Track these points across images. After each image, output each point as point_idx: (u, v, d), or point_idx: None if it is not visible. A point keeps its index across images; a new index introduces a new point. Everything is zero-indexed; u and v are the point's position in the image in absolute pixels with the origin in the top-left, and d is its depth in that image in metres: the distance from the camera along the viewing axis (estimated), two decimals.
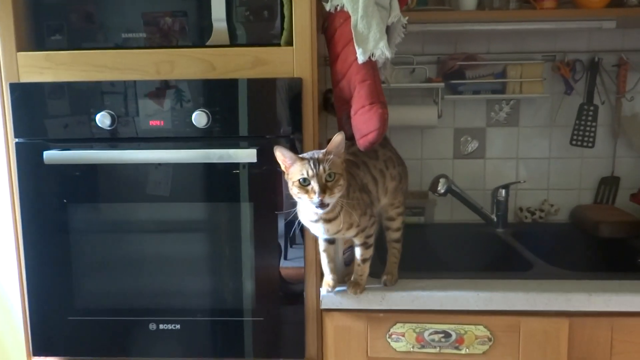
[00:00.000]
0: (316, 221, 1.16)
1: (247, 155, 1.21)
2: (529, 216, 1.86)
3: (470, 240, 1.78)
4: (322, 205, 1.08)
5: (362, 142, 1.21)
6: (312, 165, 1.08)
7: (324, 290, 1.27)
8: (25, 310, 1.33)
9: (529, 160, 1.88)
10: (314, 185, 1.07)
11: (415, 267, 1.39)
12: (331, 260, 1.28)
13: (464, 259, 1.72)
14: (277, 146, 1.11)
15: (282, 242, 1.28)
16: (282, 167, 1.14)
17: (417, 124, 1.80)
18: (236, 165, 1.24)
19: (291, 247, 1.29)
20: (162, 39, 1.28)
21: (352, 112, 1.22)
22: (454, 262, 1.70)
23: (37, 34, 1.30)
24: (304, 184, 1.09)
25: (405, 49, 1.78)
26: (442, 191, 1.72)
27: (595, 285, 1.26)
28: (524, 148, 1.88)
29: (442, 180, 1.72)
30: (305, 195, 1.09)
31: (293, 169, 1.11)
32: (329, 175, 1.08)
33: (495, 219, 1.78)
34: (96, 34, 1.29)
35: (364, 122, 1.18)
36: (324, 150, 1.11)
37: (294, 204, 1.19)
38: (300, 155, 1.11)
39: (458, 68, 1.77)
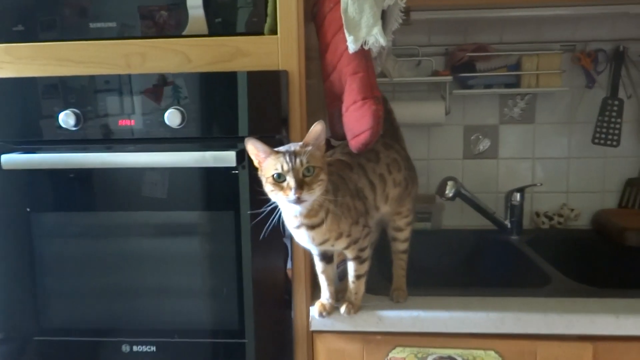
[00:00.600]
0: (298, 227, 1.02)
1: (224, 158, 1.07)
2: (546, 222, 1.71)
3: (480, 248, 1.63)
4: (298, 201, 0.95)
5: (354, 143, 1.06)
6: (287, 158, 0.94)
7: (316, 312, 1.13)
8: None
9: (547, 161, 1.73)
10: (290, 180, 0.94)
11: (418, 281, 1.25)
12: (331, 282, 1.15)
13: (474, 270, 1.57)
14: (248, 138, 0.97)
15: (270, 254, 1.15)
16: (255, 162, 1.00)
17: (423, 121, 1.65)
18: (228, 169, 1.11)
19: (279, 257, 1.15)
20: (133, 29, 1.15)
21: (344, 109, 1.08)
22: (462, 275, 1.55)
23: None
24: (278, 180, 0.95)
25: (410, 40, 1.66)
26: (450, 195, 1.57)
27: (624, 305, 1.11)
28: (541, 147, 1.72)
29: (450, 183, 1.57)
30: (281, 192, 0.95)
31: (266, 163, 0.97)
32: (307, 169, 0.95)
33: (509, 225, 1.63)
34: (62, 24, 1.16)
35: (356, 120, 1.04)
36: (301, 143, 0.98)
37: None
38: (276, 149, 0.98)
39: (468, 60, 1.62)
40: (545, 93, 1.67)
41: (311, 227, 1.02)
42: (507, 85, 1.65)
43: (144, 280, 1.19)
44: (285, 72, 1.09)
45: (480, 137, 1.73)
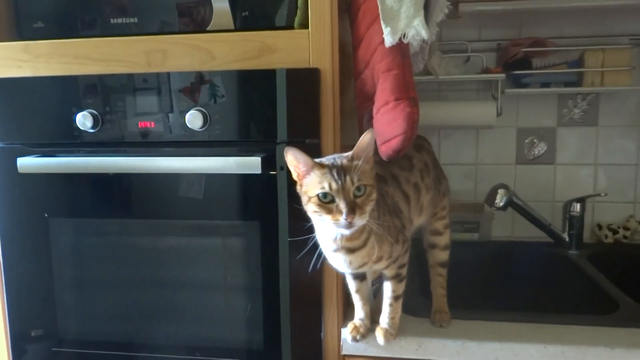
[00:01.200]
0: (336, 250, 0.91)
1: (248, 164, 0.98)
2: (609, 235, 1.53)
3: (534, 263, 1.47)
4: (349, 226, 0.82)
5: (384, 150, 0.95)
6: (335, 175, 0.82)
7: (348, 335, 1.02)
8: (7, 340, 1.17)
9: (611, 167, 1.55)
10: (340, 202, 0.81)
11: (463, 300, 1.12)
12: (366, 302, 1.04)
13: (526, 288, 1.42)
14: (288, 148, 0.85)
15: (296, 269, 1.04)
16: (294, 176, 0.88)
17: (472, 123, 1.51)
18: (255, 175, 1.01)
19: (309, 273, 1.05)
20: (156, 25, 1.08)
21: (374, 110, 0.96)
22: (514, 294, 1.40)
23: (17, 20, 1.13)
24: (324, 200, 0.82)
25: (458, 34, 1.53)
26: (502, 204, 1.43)
27: None
28: (605, 152, 1.55)
29: (501, 192, 1.43)
30: (328, 216, 0.83)
31: (309, 179, 0.85)
32: (358, 188, 0.82)
33: (567, 239, 1.47)
34: (82, 20, 1.10)
35: (387, 124, 0.92)
36: (348, 154, 0.85)
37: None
38: (319, 161, 0.85)
39: (523, 56, 1.46)
40: (610, 92, 1.50)
41: (351, 251, 0.90)
42: (567, 84, 1.49)
43: (165, 293, 1.11)
44: (317, 70, 0.98)
45: (536, 140, 1.57)
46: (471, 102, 1.56)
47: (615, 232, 1.53)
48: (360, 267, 0.94)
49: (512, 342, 0.98)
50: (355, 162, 0.83)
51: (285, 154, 0.85)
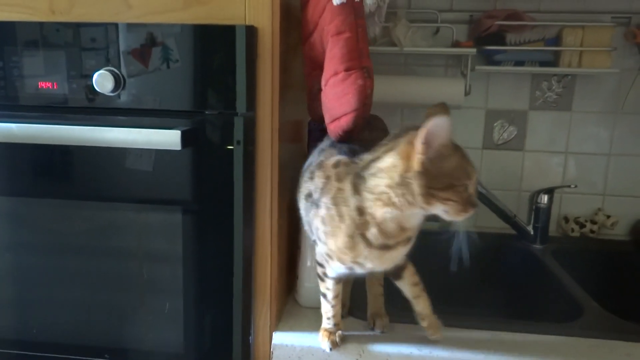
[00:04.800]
0: (396, 243, 0.80)
1: (165, 139, 0.81)
2: (576, 229, 1.43)
3: (495, 258, 1.37)
4: None
5: (332, 129, 0.80)
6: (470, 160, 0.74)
7: (326, 343, 0.88)
8: None
9: (582, 156, 1.45)
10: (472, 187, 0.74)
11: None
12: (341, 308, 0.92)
13: (485, 287, 1.32)
14: (436, 117, 0.69)
15: (229, 260, 0.90)
16: (418, 156, 0.70)
17: (438, 101, 1.34)
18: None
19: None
20: None
21: (323, 82, 0.81)
22: (470, 292, 1.30)
23: None
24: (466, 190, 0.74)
25: (428, 3, 1.39)
26: None
27: None
28: (577, 140, 1.44)
29: None
30: (455, 203, 0.73)
31: (447, 162, 0.72)
32: None
33: (531, 232, 1.36)
34: None
35: (337, 98, 0.77)
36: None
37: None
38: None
39: (497, 30, 1.32)
40: (588, 75, 1.38)
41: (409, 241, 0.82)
42: (543, 64, 1.36)
43: (69, 286, 0.95)
44: (254, 29, 0.82)
45: (505, 124, 1.45)
46: (438, 78, 1.42)
47: (582, 225, 1.43)
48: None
49: (463, 352, 0.87)
50: None
51: (425, 127, 0.68)
